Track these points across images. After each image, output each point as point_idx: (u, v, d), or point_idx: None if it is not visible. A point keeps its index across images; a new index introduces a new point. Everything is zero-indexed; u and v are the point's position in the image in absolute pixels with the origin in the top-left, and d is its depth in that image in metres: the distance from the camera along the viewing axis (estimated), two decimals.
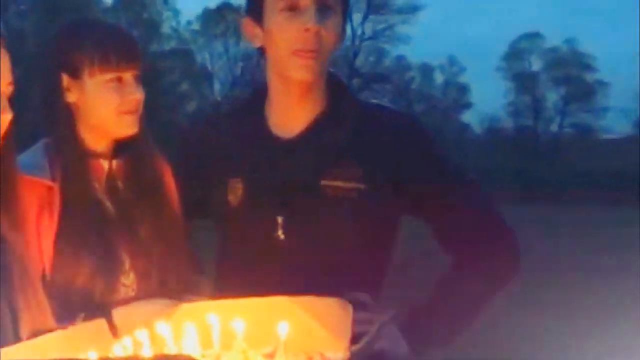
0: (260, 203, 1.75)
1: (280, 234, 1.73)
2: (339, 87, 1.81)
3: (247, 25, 1.77)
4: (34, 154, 1.75)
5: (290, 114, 1.77)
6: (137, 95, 1.73)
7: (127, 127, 1.74)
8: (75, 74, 1.72)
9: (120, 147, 1.77)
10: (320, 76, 1.74)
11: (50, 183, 1.71)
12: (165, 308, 1.59)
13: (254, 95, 1.87)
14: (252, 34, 1.76)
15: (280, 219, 1.73)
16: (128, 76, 1.73)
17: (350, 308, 1.49)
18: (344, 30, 1.77)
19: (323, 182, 1.72)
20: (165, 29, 35.58)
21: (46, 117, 1.76)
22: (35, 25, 30.74)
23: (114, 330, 1.56)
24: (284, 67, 1.73)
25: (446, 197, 1.75)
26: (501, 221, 1.79)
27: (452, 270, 1.78)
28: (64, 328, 1.54)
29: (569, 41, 37.07)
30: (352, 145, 1.74)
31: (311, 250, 1.72)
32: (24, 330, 1.52)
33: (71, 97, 1.73)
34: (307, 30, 1.67)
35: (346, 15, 1.76)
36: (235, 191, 1.78)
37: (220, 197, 1.80)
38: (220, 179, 1.80)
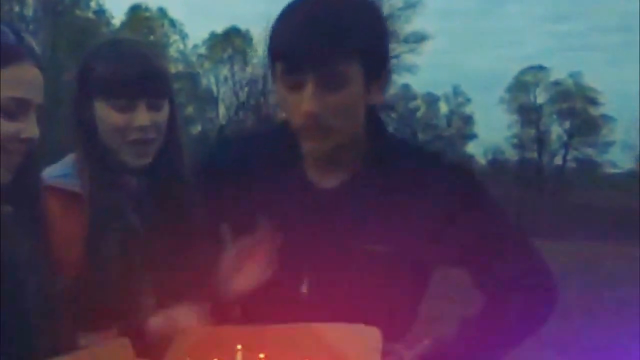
0: (287, 254, 1.64)
1: (305, 289, 1.66)
2: (380, 143, 1.70)
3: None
4: (65, 165, 1.74)
5: (326, 168, 1.69)
6: (143, 122, 1.68)
7: (133, 156, 1.71)
8: (91, 94, 1.71)
9: (153, 165, 1.74)
10: (343, 144, 1.63)
11: (78, 191, 1.69)
12: (189, 329, 1.59)
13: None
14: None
15: (305, 275, 1.66)
16: (140, 103, 1.69)
17: (379, 335, 1.47)
18: (374, 87, 1.62)
19: (354, 243, 1.64)
20: (172, 52, 35.82)
21: (73, 131, 1.75)
22: (43, 46, 30.93)
23: (138, 350, 1.52)
24: (298, 137, 1.66)
25: (492, 248, 1.67)
26: (543, 269, 1.72)
27: (485, 310, 1.69)
28: (85, 347, 1.51)
29: (573, 75, 37.20)
30: (390, 201, 1.64)
31: (334, 307, 1.62)
32: (43, 350, 1.46)
33: (89, 115, 1.72)
34: (305, 112, 1.58)
35: (372, 78, 1.60)
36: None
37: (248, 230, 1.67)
38: (249, 216, 1.67)
